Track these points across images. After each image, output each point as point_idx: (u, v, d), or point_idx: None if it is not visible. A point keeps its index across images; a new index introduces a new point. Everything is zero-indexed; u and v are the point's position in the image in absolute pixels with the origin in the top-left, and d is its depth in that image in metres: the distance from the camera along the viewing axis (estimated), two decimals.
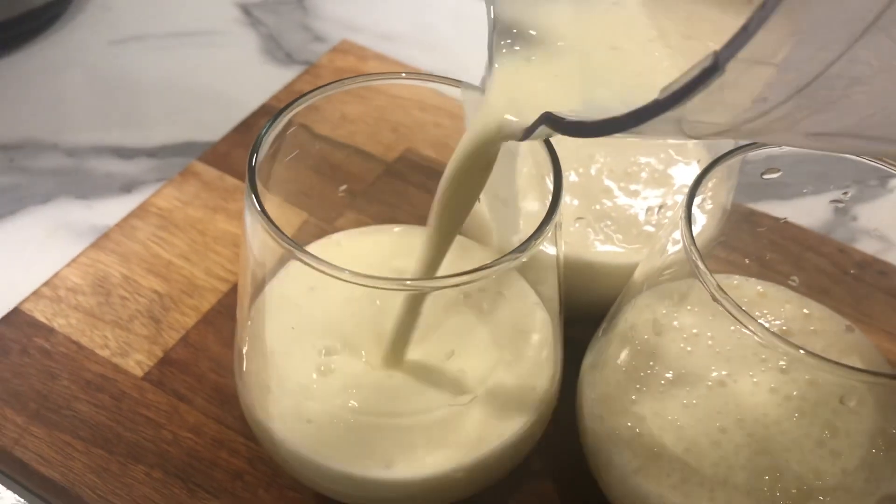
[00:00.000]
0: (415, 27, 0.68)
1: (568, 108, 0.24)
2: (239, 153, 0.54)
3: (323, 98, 0.36)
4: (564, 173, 0.41)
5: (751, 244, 0.44)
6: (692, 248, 0.28)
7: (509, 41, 0.27)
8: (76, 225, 0.51)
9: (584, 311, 0.40)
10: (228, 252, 0.49)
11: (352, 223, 0.46)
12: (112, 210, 0.52)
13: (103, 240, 0.48)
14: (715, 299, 0.27)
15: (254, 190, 0.29)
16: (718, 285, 0.27)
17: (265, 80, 0.61)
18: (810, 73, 0.17)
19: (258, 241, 0.30)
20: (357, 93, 0.38)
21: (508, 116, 0.26)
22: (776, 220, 0.44)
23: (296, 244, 0.28)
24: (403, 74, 0.34)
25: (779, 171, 0.34)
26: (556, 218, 0.29)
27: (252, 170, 0.30)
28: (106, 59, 0.63)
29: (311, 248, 0.40)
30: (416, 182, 0.52)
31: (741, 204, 0.44)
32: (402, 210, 0.51)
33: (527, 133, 0.25)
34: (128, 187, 0.54)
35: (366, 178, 0.52)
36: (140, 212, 0.50)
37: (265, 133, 0.32)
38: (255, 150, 0.31)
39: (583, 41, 0.27)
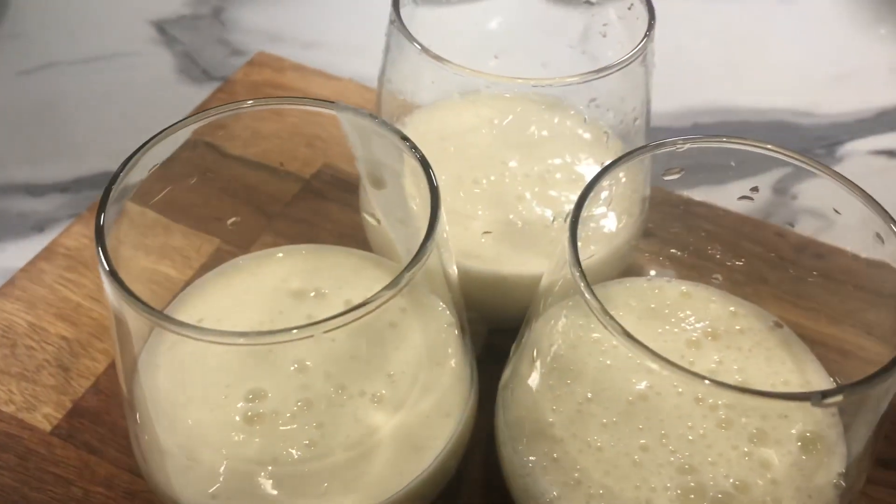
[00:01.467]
0: (337, 33, 0.66)
1: None
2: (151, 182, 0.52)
3: (231, 116, 0.34)
4: (475, 181, 0.39)
5: (681, 234, 0.42)
6: (575, 269, 0.26)
7: None
8: None
9: (510, 323, 0.38)
10: (142, 288, 0.46)
11: (268, 247, 0.44)
12: (24, 252, 0.49)
13: (8, 286, 0.46)
14: (603, 325, 0.25)
15: (104, 251, 0.27)
16: (603, 309, 0.25)
17: (182, 101, 0.59)
18: None
19: (120, 308, 0.28)
20: (269, 108, 0.36)
21: None
22: (706, 205, 0.43)
23: (156, 312, 0.26)
24: (251, 102, 0.32)
25: (681, 170, 0.32)
26: (436, 238, 0.27)
27: (100, 229, 0.27)
28: (15, 90, 0.61)
29: (209, 275, 0.38)
30: (335, 198, 0.50)
31: (671, 192, 0.42)
32: (322, 228, 0.49)
33: None
34: (40, 226, 0.52)
35: (282, 197, 0.50)
36: (47, 253, 0.48)
37: (117, 183, 0.29)
38: (104, 208, 0.28)
39: None
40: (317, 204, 0.50)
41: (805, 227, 0.48)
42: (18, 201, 0.53)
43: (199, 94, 0.59)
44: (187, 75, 0.62)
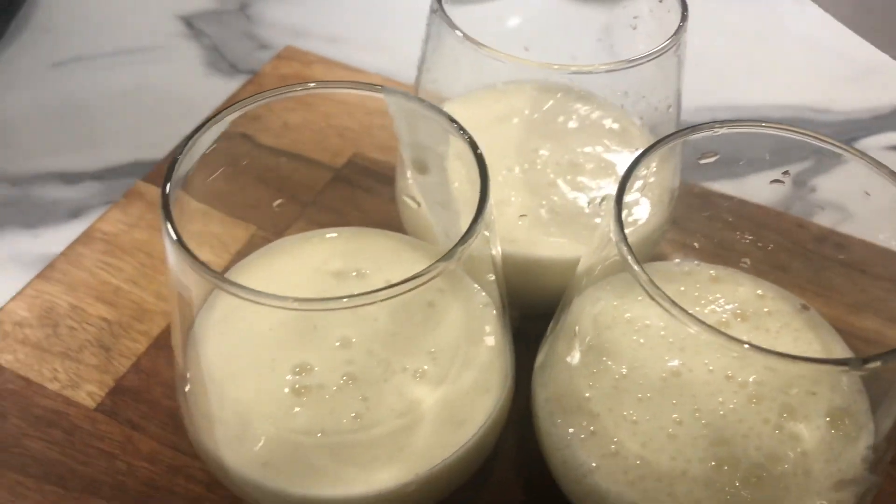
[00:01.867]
0: (362, 29, 0.67)
1: None
2: None
3: (263, 107, 0.35)
4: (507, 170, 0.41)
5: (705, 225, 0.43)
6: (622, 245, 0.28)
7: None
8: (23, 256, 0.50)
9: (542, 308, 0.39)
10: None
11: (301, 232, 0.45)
12: (59, 238, 0.50)
13: (49, 270, 0.47)
14: (651, 297, 0.27)
15: (168, 218, 0.28)
16: (650, 279, 0.26)
17: (210, 93, 0.60)
18: None
19: (181, 270, 0.29)
20: (300, 99, 0.37)
21: None
22: (729, 198, 0.44)
23: (216, 274, 0.27)
24: (312, 84, 0.33)
25: (716, 154, 0.33)
26: (485, 218, 0.28)
27: (166, 198, 0.29)
28: (48, 82, 0.62)
29: (252, 257, 0.40)
30: (365, 187, 0.51)
31: (695, 184, 0.43)
32: (352, 216, 0.50)
33: None
34: (75, 213, 0.53)
35: (314, 185, 0.51)
36: (85, 238, 0.49)
37: (185, 152, 0.30)
38: (169, 178, 0.29)
39: None
40: (348, 192, 0.51)
41: (826, 219, 0.50)
42: (53, 189, 0.54)
43: (227, 86, 0.61)
44: (215, 68, 0.63)
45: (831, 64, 0.67)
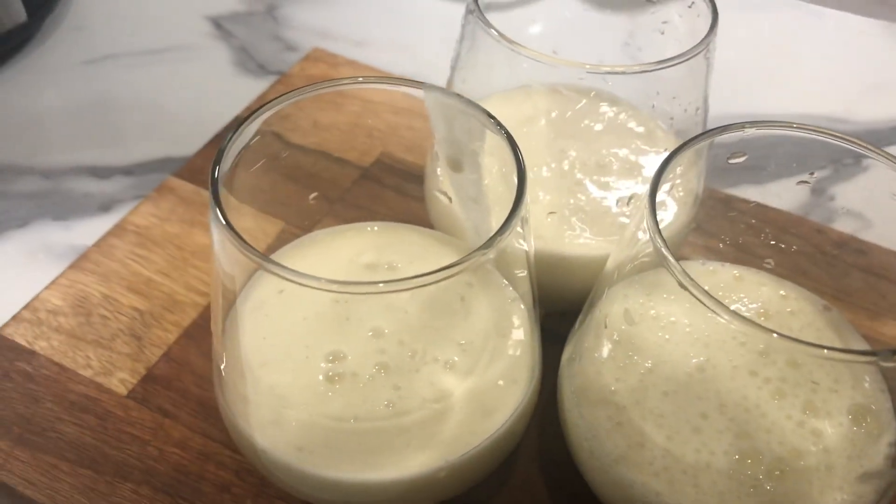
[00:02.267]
0: (387, 32, 0.68)
1: None
2: None
3: (294, 105, 0.36)
4: (537, 168, 0.42)
5: (727, 229, 0.44)
6: (657, 237, 0.28)
7: None
8: (55, 247, 0.51)
9: (566, 305, 0.40)
10: (207, 266, 0.49)
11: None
12: (91, 230, 0.52)
13: (82, 260, 0.48)
14: (682, 286, 0.27)
15: (217, 203, 0.29)
16: (684, 271, 0.27)
17: (238, 93, 0.61)
18: None
19: (225, 253, 0.30)
20: (329, 99, 0.38)
21: None
22: (750, 203, 0.44)
23: (261, 254, 0.28)
24: (361, 78, 0.34)
25: (745, 154, 0.34)
26: (521, 213, 0.29)
27: (215, 182, 0.30)
28: (79, 80, 0.63)
29: (286, 248, 0.40)
30: (392, 185, 0.52)
31: (716, 189, 0.44)
32: (379, 214, 0.51)
33: None
34: (106, 206, 0.54)
35: (342, 183, 0.52)
36: (118, 230, 0.50)
37: (228, 143, 0.32)
38: (218, 161, 0.31)
39: None
40: (375, 190, 0.52)
41: (846, 226, 0.50)
42: (85, 183, 0.56)
43: (256, 86, 0.62)
44: (243, 68, 0.64)
45: (851, 74, 0.68)
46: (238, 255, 0.29)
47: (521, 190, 0.30)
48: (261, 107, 0.34)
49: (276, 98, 0.34)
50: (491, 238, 0.28)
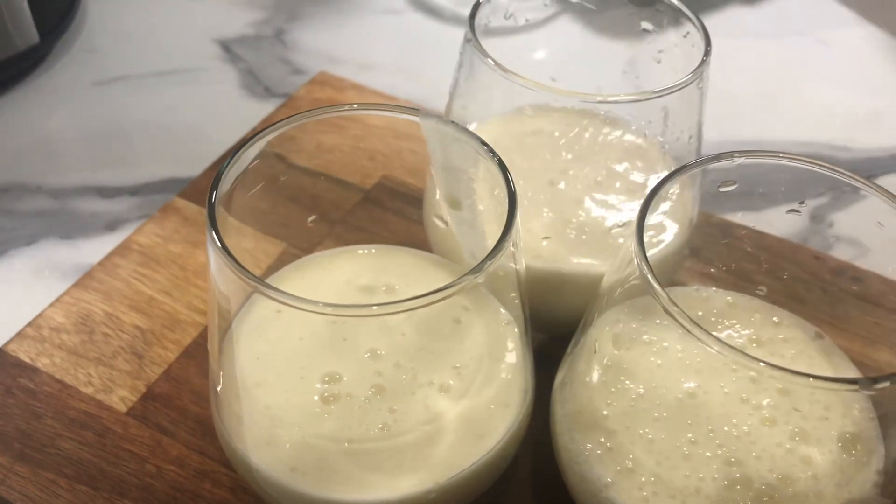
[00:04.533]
0: (393, 56, 0.69)
1: None
2: None
3: (298, 128, 0.37)
4: (536, 188, 0.42)
5: (723, 255, 0.44)
6: (643, 264, 0.29)
7: None
8: (61, 265, 0.52)
9: (562, 328, 0.40)
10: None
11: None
12: (96, 249, 0.52)
13: (86, 279, 0.49)
14: (667, 313, 0.28)
15: (213, 226, 0.30)
16: (670, 298, 0.28)
17: (245, 115, 0.62)
18: None
19: (221, 275, 0.31)
20: (332, 122, 0.38)
21: None
22: (747, 229, 0.45)
23: (256, 277, 0.29)
24: (356, 105, 0.35)
25: (735, 183, 0.34)
26: (512, 236, 0.30)
27: (212, 205, 0.30)
28: (89, 101, 0.64)
29: (285, 270, 0.41)
30: (393, 208, 0.53)
31: (713, 214, 0.44)
32: (379, 236, 0.52)
33: None
34: (111, 226, 0.55)
35: (343, 205, 0.53)
36: (122, 249, 0.51)
37: (227, 167, 0.32)
38: (216, 185, 0.31)
39: None
40: (376, 212, 0.52)
41: (842, 254, 0.51)
42: (91, 202, 0.56)
43: (262, 108, 0.63)
44: (250, 91, 0.65)
45: (850, 102, 0.69)
46: (233, 277, 0.29)
47: (511, 214, 0.30)
48: (260, 131, 0.34)
49: (277, 122, 0.35)
50: (482, 262, 0.29)
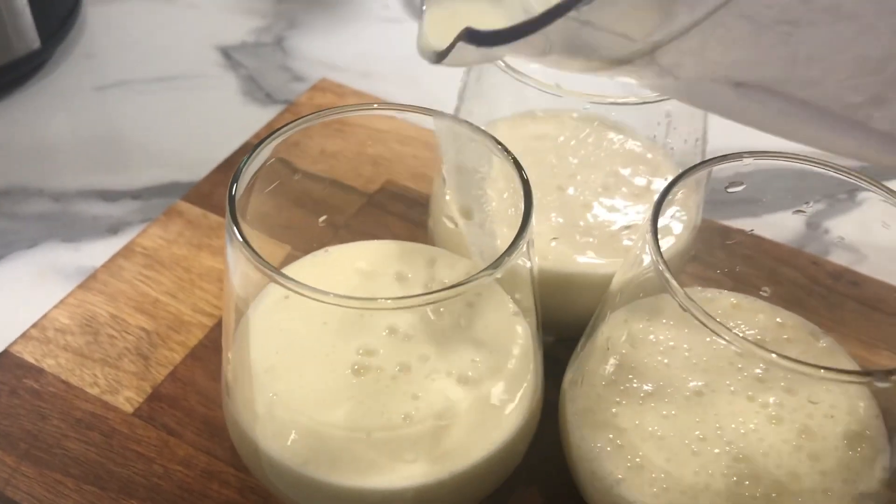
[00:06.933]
0: (393, 64, 0.70)
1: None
2: (221, 192, 0.55)
3: (302, 133, 0.37)
4: (544, 191, 0.43)
5: (724, 259, 0.45)
6: (659, 259, 0.29)
7: None
8: (64, 267, 0.52)
9: (570, 330, 0.41)
10: (213, 288, 0.49)
11: None
12: (99, 252, 0.52)
13: (90, 280, 0.49)
14: (684, 309, 0.28)
15: (234, 220, 0.30)
16: (687, 294, 0.28)
17: (246, 121, 0.62)
18: None
19: (241, 267, 0.31)
20: (336, 127, 0.39)
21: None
22: (747, 234, 0.45)
23: (274, 268, 0.29)
24: (376, 105, 0.35)
25: (742, 184, 0.35)
26: (528, 233, 0.30)
27: (232, 199, 0.31)
28: (90, 105, 0.64)
29: (297, 262, 0.41)
30: (396, 212, 0.53)
31: (713, 220, 0.45)
32: (383, 239, 0.52)
33: (446, 52, 0.25)
34: (114, 229, 0.55)
35: (347, 209, 0.53)
36: (126, 252, 0.51)
37: (245, 165, 0.33)
38: (235, 180, 0.32)
39: None
40: (380, 216, 0.53)
41: (840, 259, 0.51)
42: (94, 206, 0.57)
43: (263, 114, 0.63)
44: (251, 97, 0.65)
45: None
46: (252, 268, 0.29)
47: (528, 211, 0.31)
48: (275, 131, 0.35)
49: (289, 123, 0.35)
50: (500, 257, 0.29)
